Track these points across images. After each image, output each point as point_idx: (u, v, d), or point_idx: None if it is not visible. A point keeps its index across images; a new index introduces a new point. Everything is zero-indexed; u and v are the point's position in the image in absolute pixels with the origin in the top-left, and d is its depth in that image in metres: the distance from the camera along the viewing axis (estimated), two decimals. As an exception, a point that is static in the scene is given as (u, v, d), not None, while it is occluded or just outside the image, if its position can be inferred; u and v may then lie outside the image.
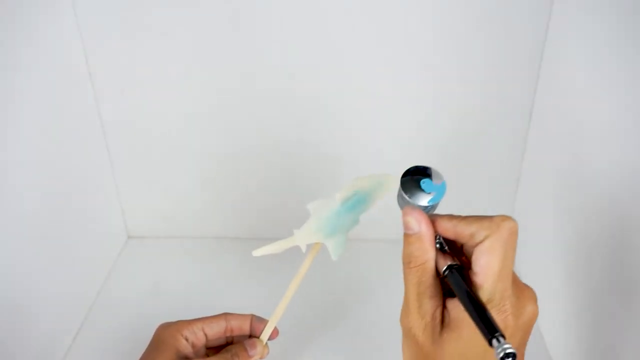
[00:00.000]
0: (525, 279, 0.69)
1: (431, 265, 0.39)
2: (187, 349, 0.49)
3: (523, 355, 0.41)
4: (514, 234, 0.37)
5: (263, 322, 0.52)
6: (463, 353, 0.37)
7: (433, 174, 0.40)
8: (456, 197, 0.72)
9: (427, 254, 0.38)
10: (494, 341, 0.32)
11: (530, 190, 0.68)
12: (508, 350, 0.31)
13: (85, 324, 0.65)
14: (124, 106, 0.68)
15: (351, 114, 0.67)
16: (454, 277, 0.38)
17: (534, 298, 0.39)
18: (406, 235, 0.39)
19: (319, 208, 0.48)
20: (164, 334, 0.49)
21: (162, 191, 0.74)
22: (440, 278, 0.39)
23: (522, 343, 0.39)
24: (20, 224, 0.54)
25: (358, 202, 0.47)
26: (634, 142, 0.44)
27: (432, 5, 0.60)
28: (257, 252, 0.48)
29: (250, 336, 0.53)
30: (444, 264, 0.39)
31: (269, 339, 0.52)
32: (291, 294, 0.50)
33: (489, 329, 0.33)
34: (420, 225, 0.39)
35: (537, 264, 0.66)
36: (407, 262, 0.39)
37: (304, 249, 0.48)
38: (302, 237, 0.47)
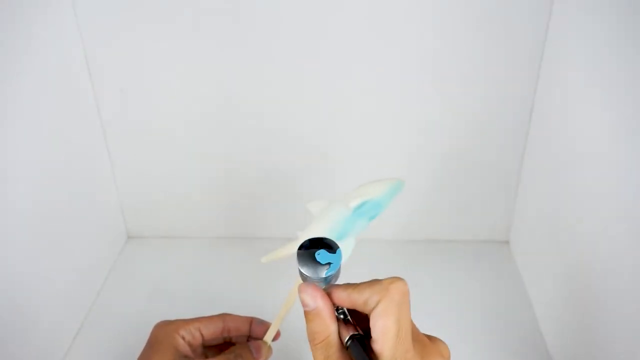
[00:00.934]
0: (524, 278, 0.70)
1: (334, 338, 0.38)
2: (185, 348, 0.49)
3: None
4: (405, 295, 0.37)
5: (264, 324, 0.52)
6: None
7: (330, 244, 0.39)
8: (456, 199, 0.72)
9: (329, 328, 0.38)
10: None
11: (530, 191, 0.68)
12: None
13: (85, 324, 0.65)
14: (124, 106, 0.68)
15: (351, 115, 0.67)
16: (355, 347, 0.37)
17: (439, 351, 0.38)
18: (305, 313, 0.39)
19: (327, 211, 0.47)
20: (161, 333, 0.49)
21: (162, 191, 0.74)
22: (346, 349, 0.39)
23: None
24: (20, 224, 0.54)
25: (370, 209, 0.46)
26: (634, 142, 0.44)
27: (432, 6, 0.60)
28: (265, 259, 0.47)
29: (249, 337, 0.52)
30: (346, 335, 0.38)
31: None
32: (294, 297, 0.50)
33: None
34: (316, 301, 0.38)
35: (536, 263, 0.66)
36: (312, 339, 0.39)
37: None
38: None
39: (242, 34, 0.62)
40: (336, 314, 0.39)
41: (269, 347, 0.51)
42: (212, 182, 0.73)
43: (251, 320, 0.52)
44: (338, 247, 0.39)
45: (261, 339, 0.51)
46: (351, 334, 0.38)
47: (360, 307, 0.38)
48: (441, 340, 0.39)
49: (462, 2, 0.60)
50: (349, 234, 0.47)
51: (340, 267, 0.39)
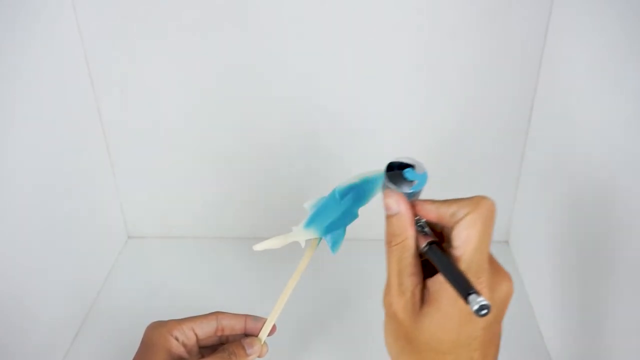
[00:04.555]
0: (524, 278, 0.70)
1: (411, 243, 0.40)
2: (179, 349, 0.49)
3: (500, 335, 0.41)
4: (492, 212, 0.39)
5: (259, 321, 0.52)
6: (441, 326, 0.38)
7: (416, 165, 0.42)
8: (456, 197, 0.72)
9: (407, 232, 0.40)
10: (470, 297, 0.34)
11: (530, 190, 0.68)
12: (482, 303, 0.33)
13: (85, 324, 0.65)
14: (124, 106, 0.68)
15: (351, 114, 0.67)
16: (433, 250, 0.39)
17: (509, 279, 0.40)
18: (387, 217, 0.41)
19: (317, 203, 0.48)
20: (154, 335, 0.49)
21: (162, 191, 0.74)
22: (421, 259, 0.41)
23: (496, 320, 0.40)
24: (20, 224, 0.54)
25: (356, 196, 0.47)
26: (634, 142, 0.44)
27: (432, 6, 0.60)
28: (258, 247, 0.48)
29: (245, 335, 0.52)
30: (424, 242, 0.40)
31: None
32: (289, 291, 0.50)
33: (466, 287, 0.35)
34: (400, 206, 0.40)
35: (536, 263, 0.66)
36: (389, 241, 0.41)
37: (302, 244, 0.48)
38: (301, 233, 0.47)
39: (243, 34, 0.62)
40: (416, 227, 0.41)
41: (265, 344, 0.51)
42: (213, 182, 0.73)
43: (245, 318, 0.52)
44: (425, 170, 0.42)
45: (256, 336, 0.51)
46: (429, 240, 0.40)
47: (446, 219, 0.39)
48: (509, 273, 0.40)
49: (462, 2, 0.60)
50: (338, 223, 0.47)
51: (422, 190, 0.42)
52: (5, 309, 0.51)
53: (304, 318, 0.64)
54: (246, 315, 0.52)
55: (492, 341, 0.40)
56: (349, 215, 0.47)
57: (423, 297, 0.39)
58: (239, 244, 0.75)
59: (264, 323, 0.51)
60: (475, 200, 0.39)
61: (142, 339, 0.50)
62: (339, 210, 0.47)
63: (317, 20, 0.62)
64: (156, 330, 0.49)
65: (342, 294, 0.68)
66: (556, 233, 0.59)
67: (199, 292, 0.68)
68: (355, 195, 0.47)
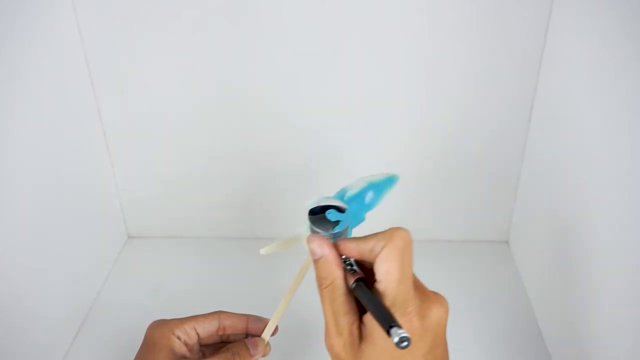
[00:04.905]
0: (524, 278, 0.70)
1: (339, 283, 0.41)
2: (182, 348, 0.49)
3: (445, 353, 0.42)
4: (408, 242, 0.40)
5: (262, 321, 0.52)
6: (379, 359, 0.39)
7: (338, 206, 0.44)
8: (456, 199, 0.72)
9: (334, 273, 0.41)
10: (392, 330, 0.35)
11: (530, 191, 0.68)
12: (402, 335, 0.34)
13: (85, 324, 0.65)
14: (124, 106, 0.68)
15: (350, 115, 0.67)
16: (360, 287, 0.40)
17: (440, 302, 0.40)
18: (314, 261, 0.42)
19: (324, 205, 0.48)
20: (156, 334, 0.49)
21: (162, 191, 0.74)
22: (353, 296, 0.41)
23: (436, 345, 0.40)
24: (20, 224, 0.54)
25: (365, 200, 0.47)
26: (634, 142, 0.44)
27: (432, 6, 0.60)
28: (264, 250, 0.48)
29: (247, 335, 0.52)
30: (352, 280, 0.41)
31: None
32: (293, 291, 0.50)
33: (387, 321, 0.36)
34: (323, 249, 0.42)
35: (536, 263, 0.66)
36: (319, 284, 0.42)
37: (306, 246, 0.48)
38: (306, 234, 0.47)
39: (243, 34, 0.62)
40: (344, 265, 0.42)
41: (268, 344, 0.51)
42: (213, 182, 0.73)
43: (247, 318, 0.52)
44: (347, 208, 0.44)
45: (259, 336, 0.51)
46: (356, 278, 0.41)
47: (366, 255, 0.40)
48: (441, 295, 0.41)
49: (461, 3, 0.60)
50: (345, 224, 0.47)
51: (347, 228, 0.43)
52: (6, 308, 0.51)
53: (305, 318, 0.64)
54: (248, 315, 0.52)
55: None
56: (357, 219, 0.47)
57: (361, 334, 0.40)
58: (239, 244, 0.75)
59: (266, 323, 0.51)
60: (388, 233, 0.40)
61: (145, 337, 0.50)
62: (348, 214, 0.46)
63: (317, 20, 0.62)
64: (158, 330, 0.49)
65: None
66: (556, 233, 0.59)
67: (199, 292, 0.68)
68: (364, 199, 0.47)
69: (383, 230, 0.40)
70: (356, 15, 0.61)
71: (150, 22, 0.62)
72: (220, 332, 0.52)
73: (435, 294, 0.41)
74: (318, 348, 0.61)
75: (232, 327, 0.52)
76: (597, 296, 0.50)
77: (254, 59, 0.64)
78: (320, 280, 0.42)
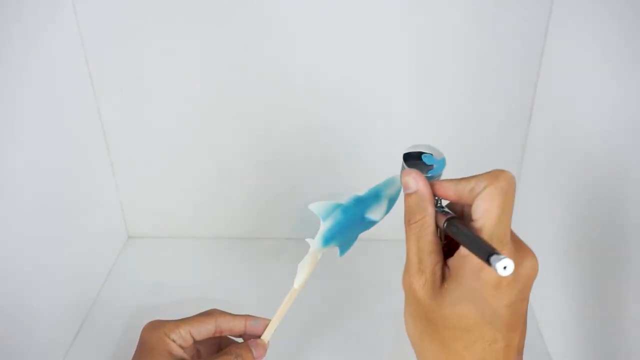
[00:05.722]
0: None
1: (430, 220, 0.40)
2: (178, 351, 0.48)
3: (525, 321, 0.40)
4: (512, 184, 0.38)
5: (260, 322, 0.51)
6: (463, 299, 0.37)
7: (434, 153, 0.43)
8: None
9: (426, 210, 0.40)
10: (492, 257, 0.32)
11: (530, 191, 0.68)
12: (505, 261, 0.31)
13: (85, 324, 0.65)
14: (124, 106, 0.68)
15: (351, 115, 0.67)
16: (453, 224, 0.38)
17: (534, 257, 0.38)
18: (406, 195, 0.41)
19: (328, 211, 0.47)
20: (152, 338, 0.48)
21: (162, 191, 0.74)
22: (441, 237, 0.40)
23: (522, 298, 0.38)
24: (20, 224, 0.54)
25: (380, 208, 0.46)
26: (634, 142, 0.44)
27: (432, 6, 0.60)
28: (298, 284, 0.48)
29: (244, 336, 0.52)
30: (443, 219, 0.39)
31: None
32: (295, 295, 0.49)
33: (487, 250, 0.33)
34: (418, 183, 0.40)
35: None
36: (407, 220, 0.40)
37: (319, 256, 0.47)
38: (320, 249, 0.47)
39: (243, 34, 0.62)
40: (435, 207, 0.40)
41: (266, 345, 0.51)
42: (213, 182, 0.73)
43: (245, 319, 0.51)
44: (443, 156, 0.43)
45: (258, 336, 0.51)
46: (448, 217, 0.39)
47: (465, 196, 0.38)
48: (533, 251, 0.39)
49: (461, 3, 0.60)
50: (356, 231, 0.47)
51: (441, 174, 0.42)
52: (6, 308, 0.51)
53: (306, 318, 0.64)
54: (246, 316, 0.51)
55: (516, 326, 0.39)
56: (366, 225, 0.46)
57: (444, 276, 0.39)
58: (239, 244, 0.75)
59: (265, 324, 0.51)
60: (493, 174, 0.38)
61: (140, 340, 0.49)
62: (360, 223, 0.46)
63: (317, 20, 0.62)
64: (154, 333, 0.49)
65: (347, 294, 0.68)
66: (557, 233, 0.59)
67: (199, 292, 0.68)
68: (378, 207, 0.46)
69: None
70: (356, 15, 0.61)
71: (150, 22, 0.62)
72: (217, 334, 0.51)
73: (529, 248, 0.39)
74: (318, 348, 0.61)
75: (230, 329, 0.51)
76: (598, 295, 0.50)
77: (254, 59, 0.64)
78: (409, 215, 0.40)
